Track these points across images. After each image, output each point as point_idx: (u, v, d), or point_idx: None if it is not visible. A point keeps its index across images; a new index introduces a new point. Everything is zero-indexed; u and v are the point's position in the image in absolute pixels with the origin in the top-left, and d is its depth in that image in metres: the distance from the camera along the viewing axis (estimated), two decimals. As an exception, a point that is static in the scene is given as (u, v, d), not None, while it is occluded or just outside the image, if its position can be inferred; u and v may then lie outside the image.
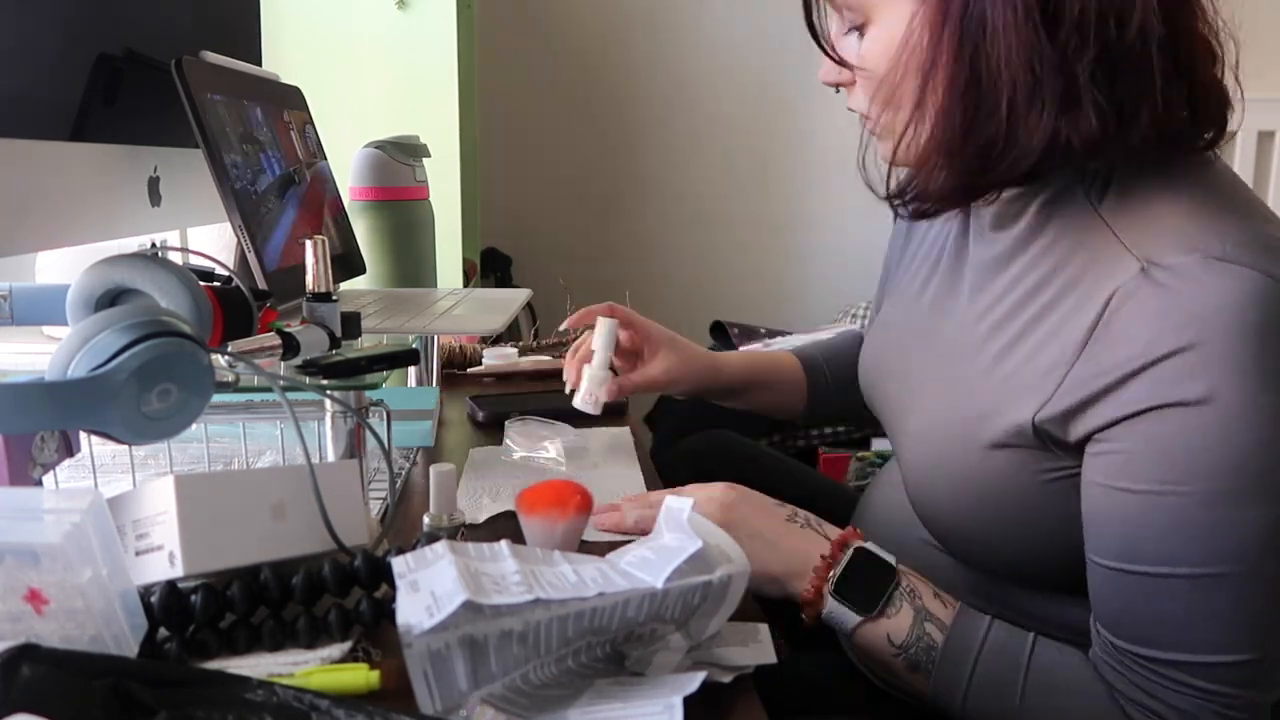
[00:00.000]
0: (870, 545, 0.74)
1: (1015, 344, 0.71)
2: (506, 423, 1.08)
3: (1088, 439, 0.66)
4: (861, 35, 0.72)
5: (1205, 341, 0.60)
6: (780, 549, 0.74)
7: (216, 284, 0.77)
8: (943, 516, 0.77)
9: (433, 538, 0.61)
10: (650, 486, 0.93)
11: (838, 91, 0.78)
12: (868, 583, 0.72)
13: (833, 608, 0.72)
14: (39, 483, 0.65)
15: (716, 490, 0.78)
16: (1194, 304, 0.61)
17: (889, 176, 0.73)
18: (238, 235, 0.97)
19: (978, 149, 0.67)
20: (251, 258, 0.97)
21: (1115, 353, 0.63)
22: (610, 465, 1.01)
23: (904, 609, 0.71)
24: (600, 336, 0.97)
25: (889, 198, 0.74)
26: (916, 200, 0.72)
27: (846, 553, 0.73)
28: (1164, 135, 0.65)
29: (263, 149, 1.09)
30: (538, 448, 1.01)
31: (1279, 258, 0.62)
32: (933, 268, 0.86)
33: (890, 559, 0.73)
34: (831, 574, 0.72)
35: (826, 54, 0.76)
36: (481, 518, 0.85)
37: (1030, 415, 0.68)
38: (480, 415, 1.20)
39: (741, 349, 2.05)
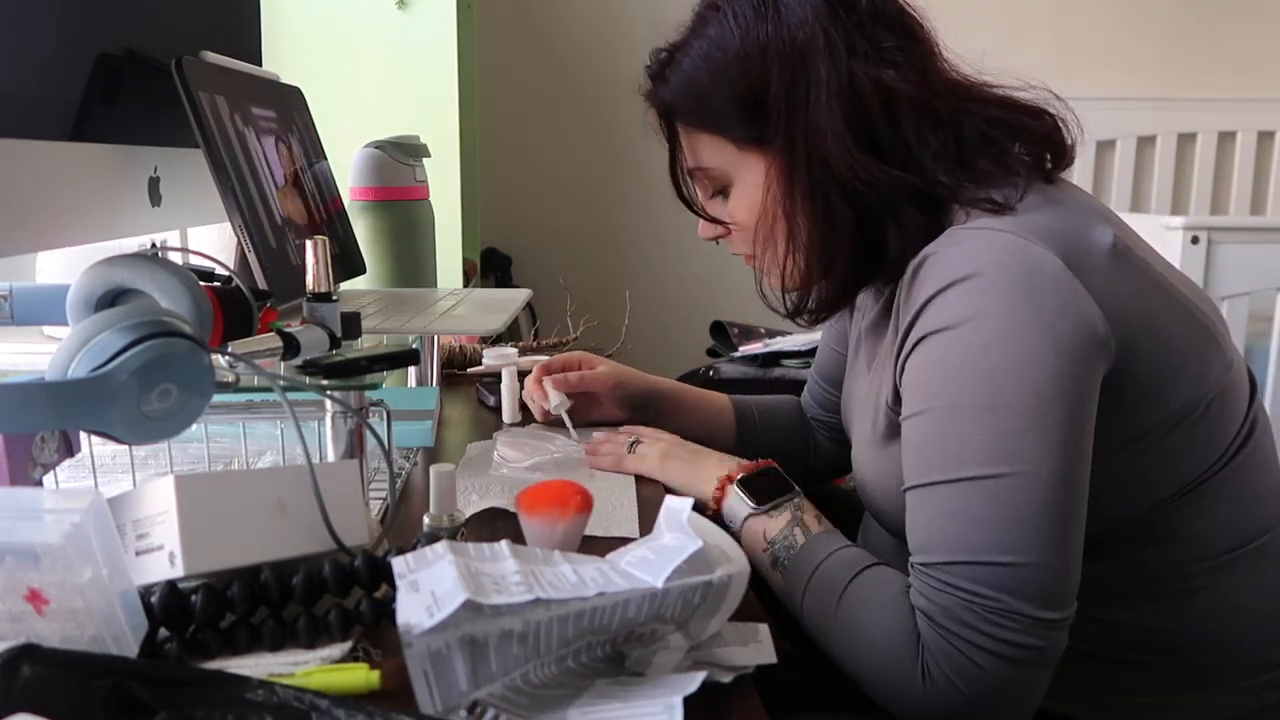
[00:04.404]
0: (781, 470, 0.88)
1: (884, 358, 0.84)
2: (496, 434, 1.08)
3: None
4: (726, 197, 0.87)
5: (979, 273, 0.70)
6: (705, 463, 0.93)
7: (216, 284, 0.77)
8: (884, 511, 0.87)
9: (433, 538, 0.61)
10: (643, 492, 0.94)
11: (717, 244, 0.91)
12: (769, 486, 0.86)
13: (733, 495, 0.86)
14: (39, 483, 0.65)
15: (663, 439, 0.99)
16: (974, 250, 0.72)
17: (784, 300, 0.89)
18: (238, 235, 0.97)
19: (846, 261, 0.81)
20: (252, 258, 0.97)
21: (910, 307, 0.74)
22: (604, 473, 1.00)
23: (786, 513, 0.83)
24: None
25: (789, 315, 0.89)
26: (810, 312, 0.87)
27: (759, 468, 0.88)
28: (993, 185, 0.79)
29: (263, 149, 1.09)
30: (528, 460, 1.00)
31: (1046, 235, 0.72)
32: (859, 339, 0.97)
33: (795, 485, 0.86)
34: (741, 475, 0.87)
35: (700, 215, 0.90)
36: (467, 513, 0.85)
37: (885, 402, 0.80)
38: (491, 400, 1.22)
39: (741, 349, 2.05)
